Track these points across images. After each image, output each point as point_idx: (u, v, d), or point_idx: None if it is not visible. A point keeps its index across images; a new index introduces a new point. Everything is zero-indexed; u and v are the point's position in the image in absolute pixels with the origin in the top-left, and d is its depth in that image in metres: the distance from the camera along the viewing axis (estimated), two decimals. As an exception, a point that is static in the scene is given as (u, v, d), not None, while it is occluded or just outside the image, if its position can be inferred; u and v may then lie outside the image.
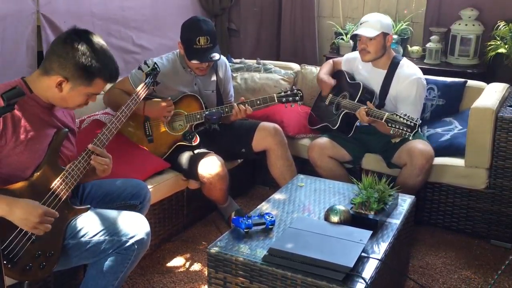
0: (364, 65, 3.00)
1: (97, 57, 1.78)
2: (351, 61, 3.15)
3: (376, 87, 2.93)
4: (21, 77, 1.82)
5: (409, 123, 2.48)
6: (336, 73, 3.22)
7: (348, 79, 3.07)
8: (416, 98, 2.80)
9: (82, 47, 1.75)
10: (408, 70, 2.86)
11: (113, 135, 2.01)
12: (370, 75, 2.96)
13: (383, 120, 2.57)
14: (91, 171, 1.96)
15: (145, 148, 2.75)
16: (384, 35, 2.82)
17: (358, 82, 2.96)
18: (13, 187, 1.73)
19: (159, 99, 2.72)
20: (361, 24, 2.88)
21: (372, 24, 2.81)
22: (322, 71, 3.21)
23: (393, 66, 2.88)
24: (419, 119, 2.50)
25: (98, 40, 1.81)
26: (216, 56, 2.71)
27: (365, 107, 2.70)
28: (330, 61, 3.31)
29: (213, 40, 2.71)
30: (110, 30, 3.44)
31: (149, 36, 3.75)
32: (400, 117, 2.51)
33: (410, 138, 2.52)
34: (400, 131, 2.50)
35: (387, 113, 2.57)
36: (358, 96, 2.87)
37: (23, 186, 1.74)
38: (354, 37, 2.94)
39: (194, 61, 2.72)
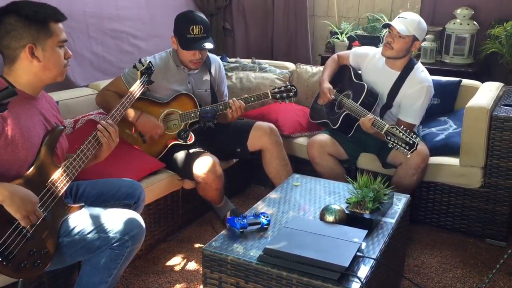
0: (376, 63, 2.94)
1: (30, 4, 1.78)
2: (361, 56, 3.06)
3: (386, 87, 2.87)
4: (0, 75, 1.80)
5: (408, 140, 2.42)
6: (342, 68, 3.15)
7: (353, 77, 3.00)
8: (422, 105, 2.78)
9: (14, 9, 1.75)
10: (422, 75, 2.82)
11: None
12: (381, 75, 2.90)
13: (382, 132, 2.54)
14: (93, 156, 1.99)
15: (139, 148, 2.74)
16: (414, 39, 2.75)
17: (363, 84, 2.89)
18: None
19: (154, 118, 2.72)
20: (398, 18, 2.79)
21: (409, 22, 2.73)
22: (325, 74, 3.10)
23: (408, 68, 2.83)
24: (419, 138, 2.46)
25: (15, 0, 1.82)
26: (209, 45, 2.70)
27: (371, 116, 2.63)
28: (335, 56, 3.20)
29: (206, 30, 2.71)
30: (104, 29, 3.42)
31: (145, 35, 3.74)
32: (400, 131, 2.46)
33: (408, 156, 2.46)
34: (398, 146, 2.46)
35: (387, 125, 2.53)
36: (361, 99, 2.81)
37: (19, 183, 1.73)
38: (386, 26, 2.84)
39: (188, 51, 2.71)
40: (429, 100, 2.85)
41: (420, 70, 2.85)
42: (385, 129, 2.53)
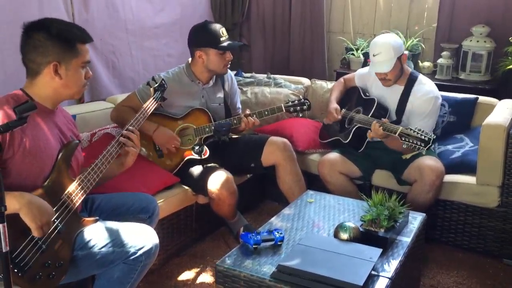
0: (379, 82, 2.97)
1: (60, 24, 1.83)
2: (364, 76, 3.13)
3: (393, 103, 2.90)
4: (20, 88, 1.84)
5: (423, 137, 2.45)
6: (350, 90, 3.20)
7: (362, 95, 3.05)
8: (429, 116, 2.79)
9: (45, 27, 1.79)
10: (426, 87, 2.84)
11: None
12: (386, 92, 2.93)
13: (396, 134, 2.55)
14: (115, 165, 2.04)
15: (155, 162, 2.76)
16: (398, 57, 2.78)
17: (373, 98, 2.94)
18: None
19: (171, 131, 2.75)
20: (373, 55, 2.81)
21: (385, 56, 2.75)
22: (332, 96, 3.17)
23: (411, 82, 2.87)
24: (433, 134, 2.48)
25: (46, 17, 1.87)
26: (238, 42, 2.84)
27: (378, 120, 2.68)
28: (341, 79, 3.29)
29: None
30: (144, 47, 3.54)
31: (176, 52, 3.83)
32: (414, 131, 2.49)
33: (424, 153, 2.50)
34: (414, 145, 2.48)
35: (401, 127, 2.55)
36: (372, 112, 2.85)
37: (38, 194, 1.74)
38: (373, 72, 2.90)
39: (221, 55, 2.78)
40: (437, 111, 2.85)
41: (424, 83, 2.88)
42: (398, 131, 2.54)
